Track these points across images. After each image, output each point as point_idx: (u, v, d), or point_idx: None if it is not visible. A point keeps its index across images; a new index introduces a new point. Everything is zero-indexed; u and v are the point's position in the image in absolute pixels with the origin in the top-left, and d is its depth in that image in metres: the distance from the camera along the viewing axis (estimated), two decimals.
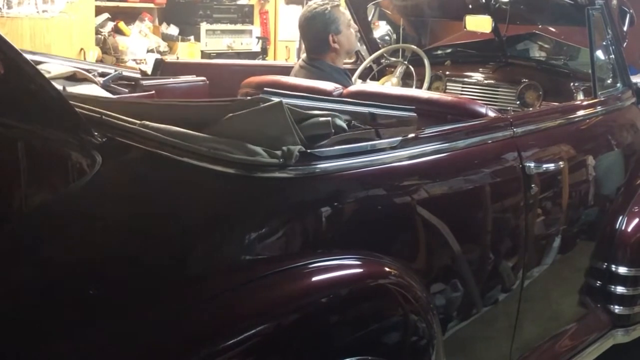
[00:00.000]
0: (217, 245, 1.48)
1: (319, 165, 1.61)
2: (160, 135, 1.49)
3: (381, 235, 1.76)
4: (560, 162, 2.32)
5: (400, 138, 1.81)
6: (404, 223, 1.83)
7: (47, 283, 1.33)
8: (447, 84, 3.73)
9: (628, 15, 3.07)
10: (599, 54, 2.84)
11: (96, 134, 1.46)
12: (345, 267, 1.61)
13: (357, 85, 3.05)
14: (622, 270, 2.67)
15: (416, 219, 1.84)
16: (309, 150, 1.58)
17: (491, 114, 2.30)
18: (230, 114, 1.61)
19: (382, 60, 3.82)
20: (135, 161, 1.52)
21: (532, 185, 2.17)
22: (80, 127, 1.45)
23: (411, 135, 1.85)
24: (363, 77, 3.66)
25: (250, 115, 1.61)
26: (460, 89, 3.69)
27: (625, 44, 2.97)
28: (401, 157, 1.80)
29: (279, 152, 1.53)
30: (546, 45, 3.96)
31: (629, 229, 2.70)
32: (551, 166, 2.25)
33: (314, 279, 1.55)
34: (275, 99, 1.63)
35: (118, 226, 1.43)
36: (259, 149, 1.51)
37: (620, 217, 2.72)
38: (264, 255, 1.51)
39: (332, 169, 1.64)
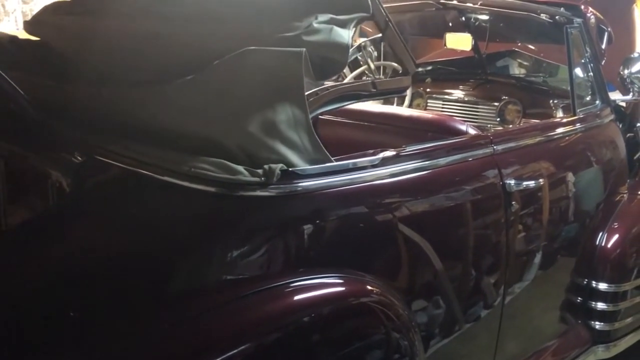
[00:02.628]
0: (198, 265, 1.47)
1: (300, 184, 1.61)
2: (141, 154, 1.49)
3: (363, 254, 1.76)
4: (540, 179, 2.33)
5: (381, 156, 1.81)
6: (386, 241, 1.83)
7: (23, 304, 1.31)
8: (428, 101, 3.75)
9: (606, 34, 3.10)
10: (578, 71, 2.87)
11: (76, 152, 1.45)
12: (326, 285, 1.61)
13: None
14: (602, 286, 2.68)
15: (397, 236, 1.84)
16: (290, 169, 1.58)
17: (471, 131, 2.31)
18: (251, 47, 1.60)
19: (363, 78, 3.84)
20: (116, 180, 1.51)
21: (513, 203, 2.18)
22: (59, 146, 1.44)
23: (392, 153, 1.86)
24: None
25: (267, 52, 1.60)
26: (440, 106, 3.71)
27: (603, 61, 3.01)
28: (382, 175, 1.81)
29: (260, 171, 1.52)
30: (525, 63, 4.01)
31: (609, 245, 2.72)
32: (531, 183, 2.27)
33: (296, 298, 1.54)
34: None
35: (97, 246, 1.42)
36: (240, 168, 1.51)
37: (600, 233, 2.74)
38: (246, 275, 1.51)
39: (313, 187, 1.64)
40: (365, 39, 3.13)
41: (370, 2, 1.85)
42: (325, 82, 2.76)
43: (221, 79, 1.61)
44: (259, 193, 1.53)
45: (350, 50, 1.80)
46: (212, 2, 1.84)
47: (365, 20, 1.94)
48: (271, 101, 1.60)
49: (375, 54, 3.67)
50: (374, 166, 1.79)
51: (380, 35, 2.12)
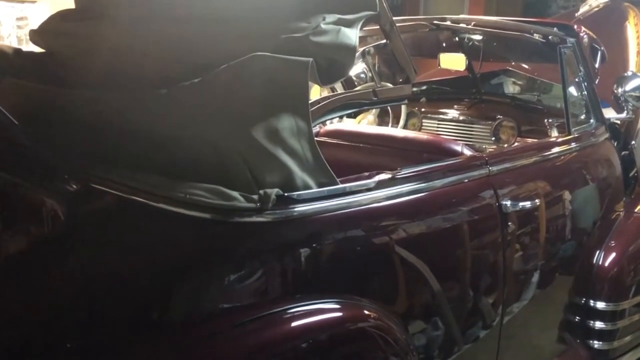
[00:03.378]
0: (194, 293, 1.46)
1: (296, 209, 1.60)
2: (136, 181, 1.48)
3: (360, 278, 1.75)
4: (537, 200, 2.33)
5: (377, 179, 1.81)
6: (383, 265, 1.82)
7: (19, 333, 1.30)
8: (423, 120, 3.75)
9: (599, 53, 3.12)
10: (572, 90, 2.88)
11: (70, 181, 1.45)
12: (324, 311, 1.60)
13: (334, 125, 3.06)
14: (600, 305, 2.68)
15: (395, 260, 1.84)
16: (286, 194, 1.58)
17: (467, 152, 2.32)
18: (258, 53, 1.60)
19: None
20: (111, 208, 1.50)
21: (509, 224, 2.18)
22: (53, 175, 1.44)
23: (388, 176, 1.86)
24: None
25: (274, 60, 1.60)
26: (435, 126, 3.72)
27: (597, 80, 3.01)
28: (378, 198, 1.81)
29: (255, 197, 1.52)
30: (519, 82, 4.01)
31: (606, 264, 2.71)
32: (527, 204, 2.26)
33: (293, 324, 1.53)
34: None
35: (92, 274, 1.41)
36: (235, 194, 1.51)
37: (597, 252, 2.73)
38: (242, 302, 1.50)
39: (309, 211, 1.63)
40: (369, 45, 3.13)
41: (377, 0, 1.84)
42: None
43: (227, 83, 1.61)
44: (254, 219, 1.52)
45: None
46: (219, 3, 1.84)
47: (372, 20, 1.92)
48: (275, 109, 1.60)
49: (370, 74, 3.69)
50: (369, 189, 1.79)
51: (384, 41, 2.11)
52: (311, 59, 1.61)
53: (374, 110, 3.64)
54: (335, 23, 1.74)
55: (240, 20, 1.77)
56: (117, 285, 1.41)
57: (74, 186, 1.45)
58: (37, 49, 2.07)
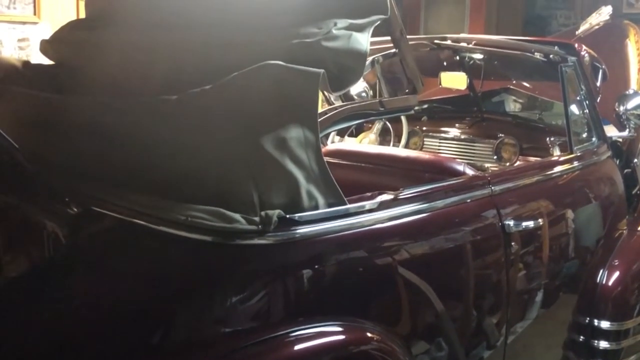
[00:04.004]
0: (195, 317, 1.45)
1: (298, 230, 1.59)
2: (137, 204, 1.48)
3: (363, 300, 1.74)
4: (540, 219, 2.32)
5: (379, 200, 1.80)
6: (386, 286, 1.81)
7: (17, 357, 1.29)
8: (425, 139, 3.74)
9: (600, 71, 3.12)
10: (574, 109, 2.87)
11: (71, 203, 1.45)
12: (327, 334, 1.59)
13: (336, 144, 3.06)
14: (604, 324, 2.65)
15: (398, 281, 1.82)
16: (288, 216, 1.57)
17: (469, 171, 2.31)
18: (269, 62, 1.58)
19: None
20: (111, 231, 1.50)
21: (512, 244, 2.17)
22: (54, 198, 1.44)
23: (390, 197, 1.85)
24: (341, 133, 3.67)
25: (285, 69, 1.58)
26: (437, 144, 3.71)
27: (598, 98, 3.01)
28: (381, 219, 1.80)
29: (257, 218, 1.51)
30: (521, 100, 4.01)
31: (610, 283, 2.69)
32: (530, 224, 2.25)
33: (296, 348, 1.52)
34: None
35: (94, 297, 1.40)
36: (237, 216, 1.49)
37: (601, 271, 2.72)
38: (245, 326, 1.49)
39: (311, 233, 1.62)
40: (378, 55, 3.12)
41: (388, 4, 1.82)
42: None
43: (237, 91, 1.60)
44: (256, 241, 1.51)
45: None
46: (230, 9, 1.83)
47: (382, 26, 1.89)
48: (284, 119, 1.58)
49: (371, 92, 3.69)
50: (372, 210, 1.78)
51: (393, 50, 2.10)
52: (322, 71, 1.60)
53: (375, 129, 3.63)
54: (347, 28, 1.72)
55: (251, 26, 1.77)
56: (118, 308, 1.40)
57: (75, 209, 1.44)
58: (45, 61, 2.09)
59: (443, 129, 3.76)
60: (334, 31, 1.69)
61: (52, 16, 4.86)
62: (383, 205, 1.81)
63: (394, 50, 2.14)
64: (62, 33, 2.06)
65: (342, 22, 1.72)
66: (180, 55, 1.75)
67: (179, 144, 1.56)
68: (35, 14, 4.81)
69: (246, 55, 1.64)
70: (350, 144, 3.50)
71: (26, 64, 1.99)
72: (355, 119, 1.98)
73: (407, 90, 2.17)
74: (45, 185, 1.41)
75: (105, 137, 1.62)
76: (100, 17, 2.06)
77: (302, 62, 1.60)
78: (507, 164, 3.43)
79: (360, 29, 1.73)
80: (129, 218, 1.46)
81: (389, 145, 3.64)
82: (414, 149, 3.66)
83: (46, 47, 2.02)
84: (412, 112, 2.43)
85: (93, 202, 1.49)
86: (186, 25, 1.81)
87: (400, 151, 3.02)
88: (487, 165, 3.45)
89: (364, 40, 1.71)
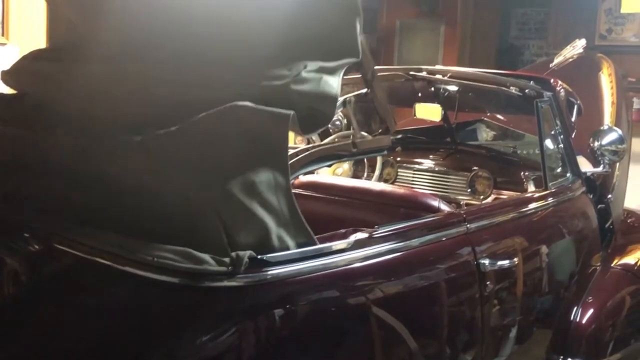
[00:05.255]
0: None
1: (269, 272, 1.54)
2: (101, 242, 1.42)
3: (336, 342, 1.69)
4: (514, 257, 2.29)
5: (353, 239, 1.76)
6: (360, 328, 1.76)
7: None
8: (399, 170, 3.72)
9: (576, 106, 3.12)
10: (549, 144, 2.86)
11: (32, 241, 1.39)
12: None
13: (309, 177, 3.02)
14: None
15: (372, 322, 1.78)
16: (259, 256, 1.52)
17: (444, 207, 2.28)
18: (238, 102, 1.54)
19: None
20: (74, 270, 1.44)
21: (487, 282, 2.14)
22: (15, 234, 1.38)
23: (365, 235, 1.81)
24: None
25: (254, 111, 1.54)
26: (411, 176, 3.68)
27: (573, 134, 3.01)
28: (355, 258, 1.75)
29: (227, 259, 1.46)
30: (495, 133, 4.01)
31: (584, 321, 2.68)
32: (505, 262, 2.23)
33: None
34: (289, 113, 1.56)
35: (54, 339, 1.34)
36: (206, 257, 1.44)
37: (575, 308, 2.70)
38: None
39: (283, 274, 1.56)
40: (349, 95, 3.09)
41: (359, 48, 1.79)
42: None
43: (205, 132, 1.55)
44: (226, 283, 1.46)
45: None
46: (200, 45, 1.77)
47: (353, 69, 1.87)
48: (253, 161, 1.54)
49: (345, 121, 3.66)
50: (346, 250, 1.73)
51: (365, 90, 2.08)
52: (292, 112, 1.55)
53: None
54: (317, 71, 1.68)
55: (220, 64, 1.71)
56: (80, 351, 1.34)
57: (36, 246, 1.39)
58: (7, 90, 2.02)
59: (417, 160, 3.74)
60: (304, 74, 1.65)
61: (21, 37, 4.78)
62: (357, 244, 1.76)
63: (365, 90, 2.11)
64: (24, 63, 1.99)
65: (313, 65, 1.68)
66: (149, 88, 1.69)
67: (144, 185, 1.50)
68: (3, 34, 4.72)
69: (215, 92, 1.60)
70: (324, 176, 3.47)
71: None
72: (327, 160, 1.95)
73: (380, 131, 2.14)
74: (6, 221, 1.35)
75: (71, 175, 1.56)
76: (62, 48, 2.00)
77: (272, 104, 1.56)
78: (482, 197, 3.41)
79: (331, 71, 1.69)
80: (92, 257, 1.41)
81: (362, 175, 3.61)
82: (388, 180, 3.64)
83: (6, 77, 1.95)
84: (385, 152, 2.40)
85: (54, 239, 1.43)
86: (154, 60, 1.75)
87: (374, 185, 2.98)
88: (461, 197, 3.43)
89: (334, 83, 1.67)
